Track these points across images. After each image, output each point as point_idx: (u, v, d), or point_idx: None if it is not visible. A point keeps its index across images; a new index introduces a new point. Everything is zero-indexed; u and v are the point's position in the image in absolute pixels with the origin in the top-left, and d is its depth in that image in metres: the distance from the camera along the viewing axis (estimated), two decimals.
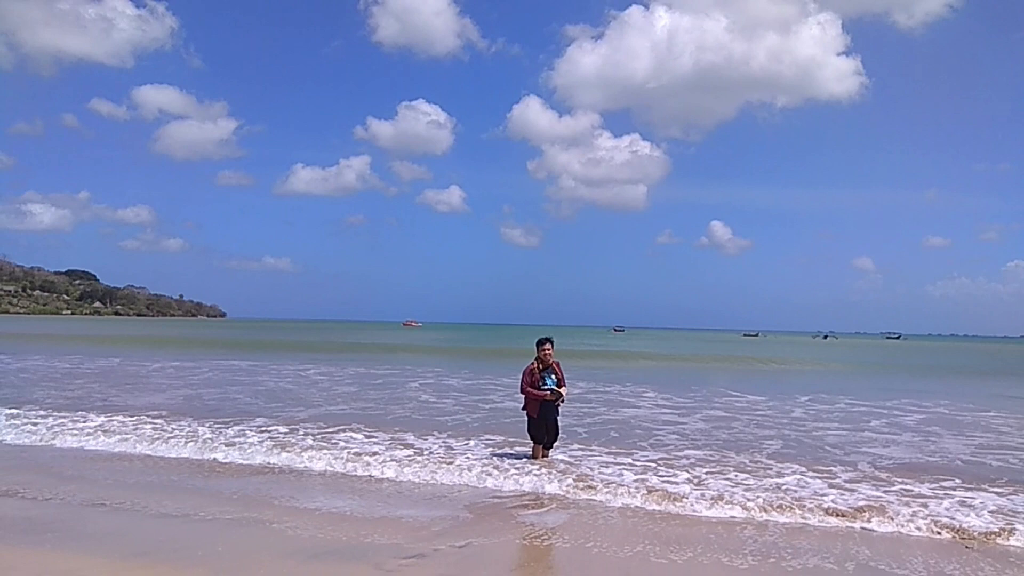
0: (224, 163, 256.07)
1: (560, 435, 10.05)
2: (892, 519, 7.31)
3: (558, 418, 9.85)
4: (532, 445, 9.82)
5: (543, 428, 9.66)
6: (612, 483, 8.50)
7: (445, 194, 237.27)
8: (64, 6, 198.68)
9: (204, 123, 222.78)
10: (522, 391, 9.71)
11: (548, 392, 9.53)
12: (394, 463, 9.51)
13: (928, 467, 10.29)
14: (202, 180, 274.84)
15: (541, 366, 9.64)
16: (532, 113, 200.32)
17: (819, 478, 9.19)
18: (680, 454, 10.70)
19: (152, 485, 8.33)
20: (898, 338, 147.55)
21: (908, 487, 8.79)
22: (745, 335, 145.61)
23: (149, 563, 5.64)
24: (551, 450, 9.99)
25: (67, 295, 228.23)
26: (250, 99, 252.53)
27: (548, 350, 9.62)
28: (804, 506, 7.70)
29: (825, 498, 8.09)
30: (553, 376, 9.63)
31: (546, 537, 6.63)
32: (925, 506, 7.81)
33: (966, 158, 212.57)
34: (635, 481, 8.65)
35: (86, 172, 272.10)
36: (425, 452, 10.34)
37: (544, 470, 9.09)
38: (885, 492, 8.49)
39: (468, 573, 5.68)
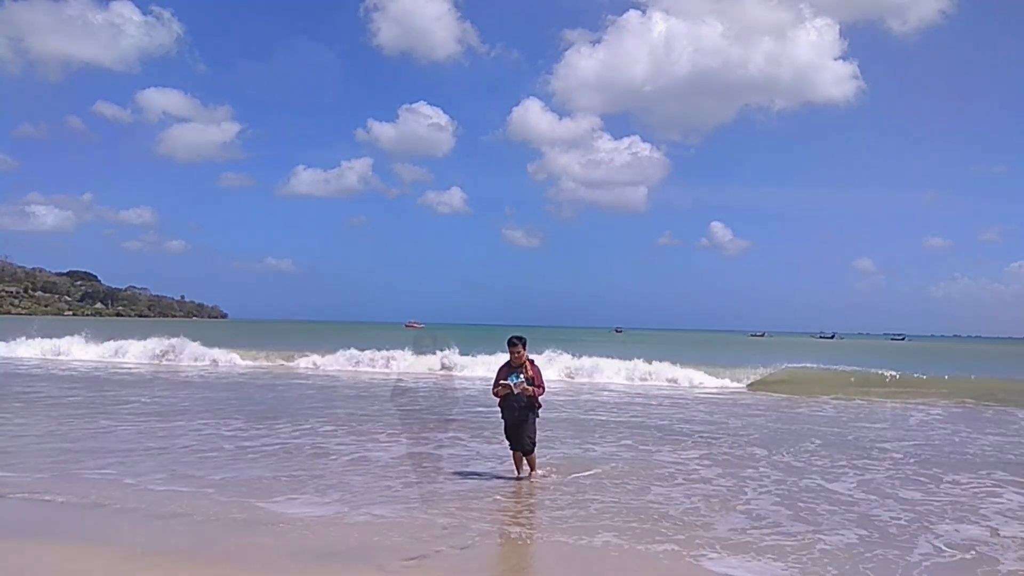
0: (227, 165, 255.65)
1: (536, 442, 8.70)
2: None
3: (525, 421, 8.49)
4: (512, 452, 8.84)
5: (509, 432, 8.67)
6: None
7: (446, 195, 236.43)
8: (72, 12, 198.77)
9: (208, 126, 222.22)
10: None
11: (499, 387, 8.51)
12: (398, 463, 9.54)
13: None
14: (205, 182, 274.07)
15: (512, 364, 8.62)
16: (532, 116, 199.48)
17: None
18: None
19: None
20: (902, 339, 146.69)
21: None
22: (752, 335, 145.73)
23: (155, 563, 5.70)
24: (530, 455, 8.72)
25: (69, 296, 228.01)
26: (253, 102, 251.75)
27: (517, 352, 8.58)
28: None
29: None
30: (522, 376, 8.51)
31: (548, 538, 6.64)
32: None
33: (962, 160, 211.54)
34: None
35: (89, 174, 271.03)
36: (429, 452, 10.38)
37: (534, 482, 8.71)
38: None
39: (470, 575, 5.70)
